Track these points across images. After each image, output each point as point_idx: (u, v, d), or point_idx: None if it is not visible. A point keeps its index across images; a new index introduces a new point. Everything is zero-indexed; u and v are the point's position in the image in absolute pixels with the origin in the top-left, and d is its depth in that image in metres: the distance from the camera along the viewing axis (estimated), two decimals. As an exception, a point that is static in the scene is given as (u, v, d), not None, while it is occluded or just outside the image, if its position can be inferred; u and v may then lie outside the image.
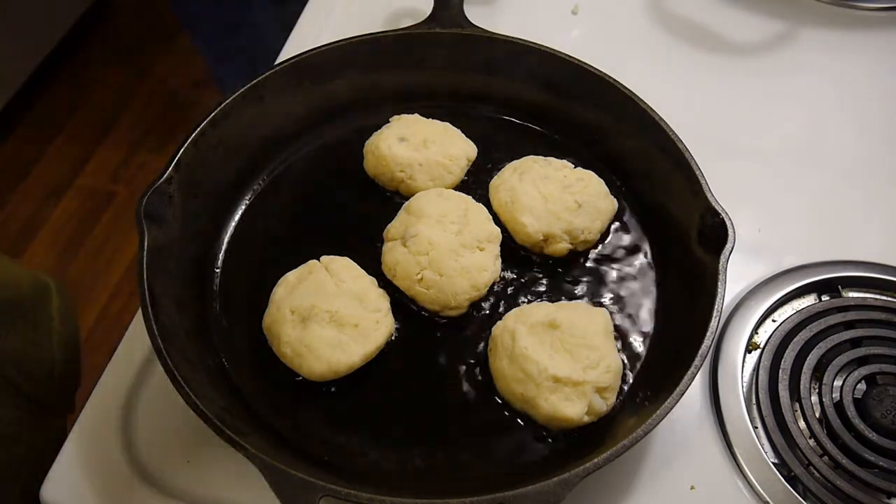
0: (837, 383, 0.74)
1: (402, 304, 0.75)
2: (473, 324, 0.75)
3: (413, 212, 0.77)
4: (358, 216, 0.83)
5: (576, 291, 0.77)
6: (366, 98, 0.89)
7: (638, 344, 0.74)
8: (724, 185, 0.74)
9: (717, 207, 0.71)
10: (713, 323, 0.65)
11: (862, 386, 0.74)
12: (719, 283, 0.67)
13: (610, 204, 0.81)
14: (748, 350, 0.77)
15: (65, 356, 0.87)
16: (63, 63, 2.54)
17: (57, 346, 0.87)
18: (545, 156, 0.84)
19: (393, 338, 0.73)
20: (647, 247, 0.81)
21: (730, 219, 0.70)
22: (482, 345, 0.73)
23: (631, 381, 0.71)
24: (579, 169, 0.82)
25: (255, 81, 0.81)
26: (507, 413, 0.70)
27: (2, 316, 0.78)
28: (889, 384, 0.73)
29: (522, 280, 0.78)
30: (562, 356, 0.68)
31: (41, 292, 0.88)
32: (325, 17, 1.07)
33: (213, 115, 0.78)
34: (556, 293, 0.77)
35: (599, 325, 0.70)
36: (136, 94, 2.53)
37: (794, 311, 0.80)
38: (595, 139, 0.86)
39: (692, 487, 0.70)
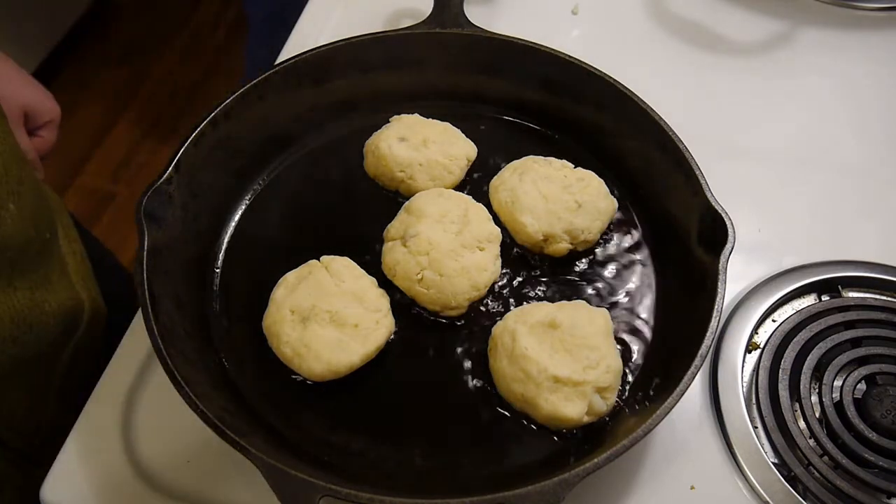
0: (837, 383, 0.74)
1: (402, 304, 0.75)
2: (473, 324, 0.75)
3: (413, 212, 0.77)
4: (358, 216, 0.83)
5: (576, 291, 0.77)
6: (366, 98, 0.89)
7: (638, 344, 0.74)
8: (724, 185, 0.74)
9: (717, 207, 0.71)
10: (713, 323, 0.65)
11: (862, 386, 0.74)
12: (719, 283, 0.67)
13: (610, 204, 0.81)
14: (748, 350, 0.77)
15: (61, 400, 0.85)
16: (63, 63, 2.54)
17: (54, 394, 0.84)
18: (545, 156, 0.84)
19: (393, 338, 0.73)
20: (647, 247, 0.81)
21: (730, 219, 0.70)
22: (482, 345, 0.73)
23: (631, 381, 0.71)
24: (579, 169, 0.82)
25: (255, 81, 0.81)
26: (507, 413, 0.70)
27: (13, 374, 0.75)
28: (889, 384, 0.73)
29: (522, 280, 0.78)
30: (562, 356, 0.68)
31: (73, 323, 0.84)
32: (325, 17, 1.07)
33: (213, 115, 0.78)
34: (556, 293, 0.77)
35: (599, 325, 0.70)
36: (136, 95, 2.53)
37: (794, 311, 0.80)
38: (595, 139, 0.86)
39: (692, 487, 0.70)
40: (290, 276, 0.74)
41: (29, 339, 0.75)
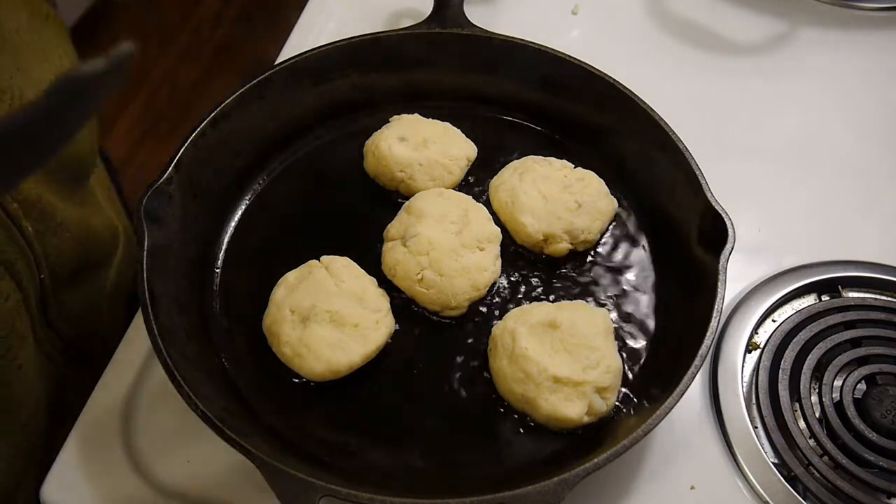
0: (837, 383, 0.74)
1: (402, 304, 0.75)
2: (473, 324, 0.75)
3: (413, 212, 0.77)
4: (358, 216, 0.83)
5: (576, 291, 0.77)
6: (366, 98, 0.89)
7: (638, 344, 0.74)
8: (724, 185, 0.74)
9: (717, 207, 0.71)
10: (713, 323, 0.65)
11: (862, 386, 0.74)
12: (719, 283, 0.67)
13: (610, 204, 0.81)
14: (748, 350, 0.77)
15: (112, 310, 0.89)
16: (63, 63, 2.54)
17: (106, 301, 0.88)
18: (545, 156, 0.84)
19: (393, 338, 0.73)
20: (647, 246, 0.81)
21: (730, 219, 0.70)
22: (482, 345, 0.73)
23: (631, 381, 0.71)
24: (579, 169, 0.82)
25: (255, 81, 0.81)
26: (507, 413, 0.70)
27: (77, 272, 0.80)
28: (889, 384, 0.73)
29: (522, 280, 0.78)
30: (562, 356, 0.68)
31: (113, 244, 0.90)
32: (325, 17, 1.07)
33: (213, 115, 0.78)
34: (557, 293, 0.77)
35: (599, 325, 0.70)
36: (135, 95, 2.53)
37: (794, 311, 0.80)
38: (595, 139, 0.86)
39: (692, 487, 0.70)
40: (290, 276, 0.74)
41: (88, 244, 0.80)
